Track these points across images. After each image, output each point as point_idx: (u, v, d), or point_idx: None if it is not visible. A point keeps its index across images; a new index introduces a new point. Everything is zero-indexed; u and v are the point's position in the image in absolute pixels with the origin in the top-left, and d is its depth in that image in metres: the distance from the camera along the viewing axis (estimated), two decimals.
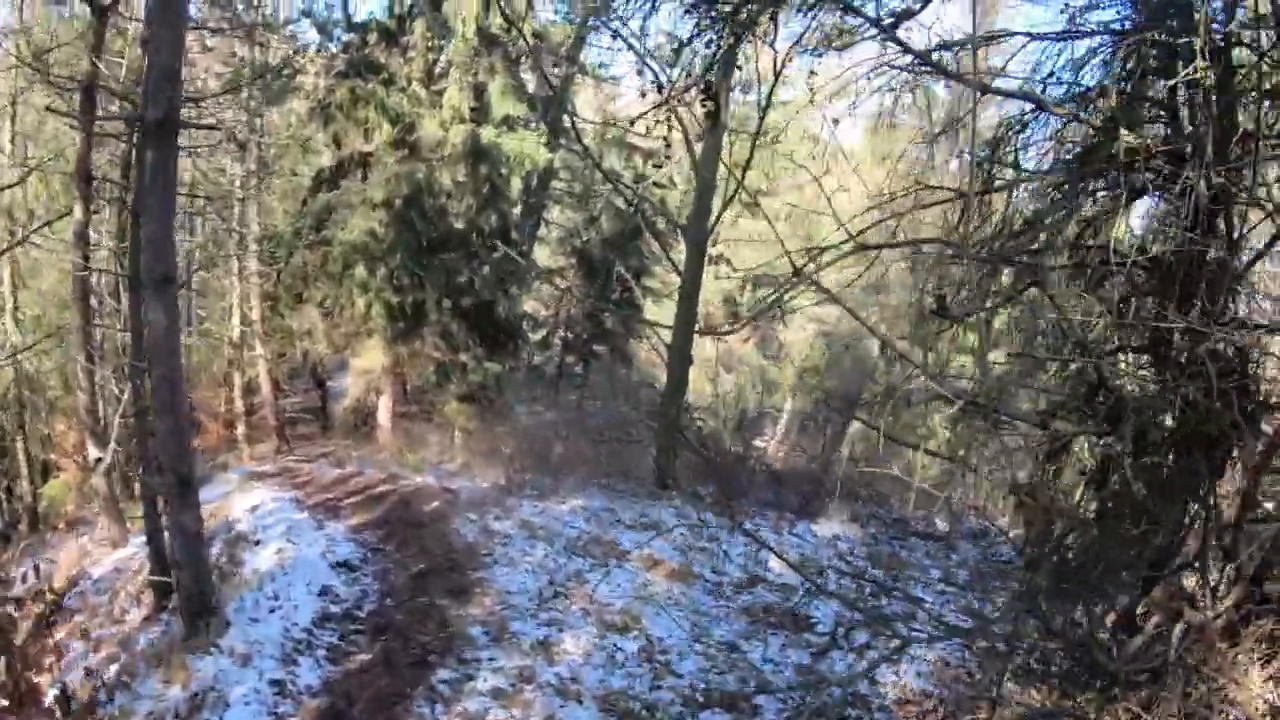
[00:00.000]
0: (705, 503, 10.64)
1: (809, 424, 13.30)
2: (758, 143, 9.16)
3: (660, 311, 13.66)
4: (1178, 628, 3.69)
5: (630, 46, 7.94)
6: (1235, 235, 3.75)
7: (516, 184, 11.56)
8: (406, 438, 12.92)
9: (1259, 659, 3.51)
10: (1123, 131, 3.48)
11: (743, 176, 8.45)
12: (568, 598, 7.49)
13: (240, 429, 14.25)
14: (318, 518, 9.71)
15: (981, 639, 4.59)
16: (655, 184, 12.11)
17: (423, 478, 11.40)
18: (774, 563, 8.23)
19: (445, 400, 12.23)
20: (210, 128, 9.90)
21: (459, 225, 11.57)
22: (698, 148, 11.33)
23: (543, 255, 14.88)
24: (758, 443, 13.54)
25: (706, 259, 12.24)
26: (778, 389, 14.89)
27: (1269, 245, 3.77)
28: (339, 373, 14.68)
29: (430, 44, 12.65)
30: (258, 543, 8.54)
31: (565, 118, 12.11)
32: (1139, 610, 4.20)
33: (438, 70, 12.40)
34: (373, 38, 13.28)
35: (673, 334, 10.12)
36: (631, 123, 5.88)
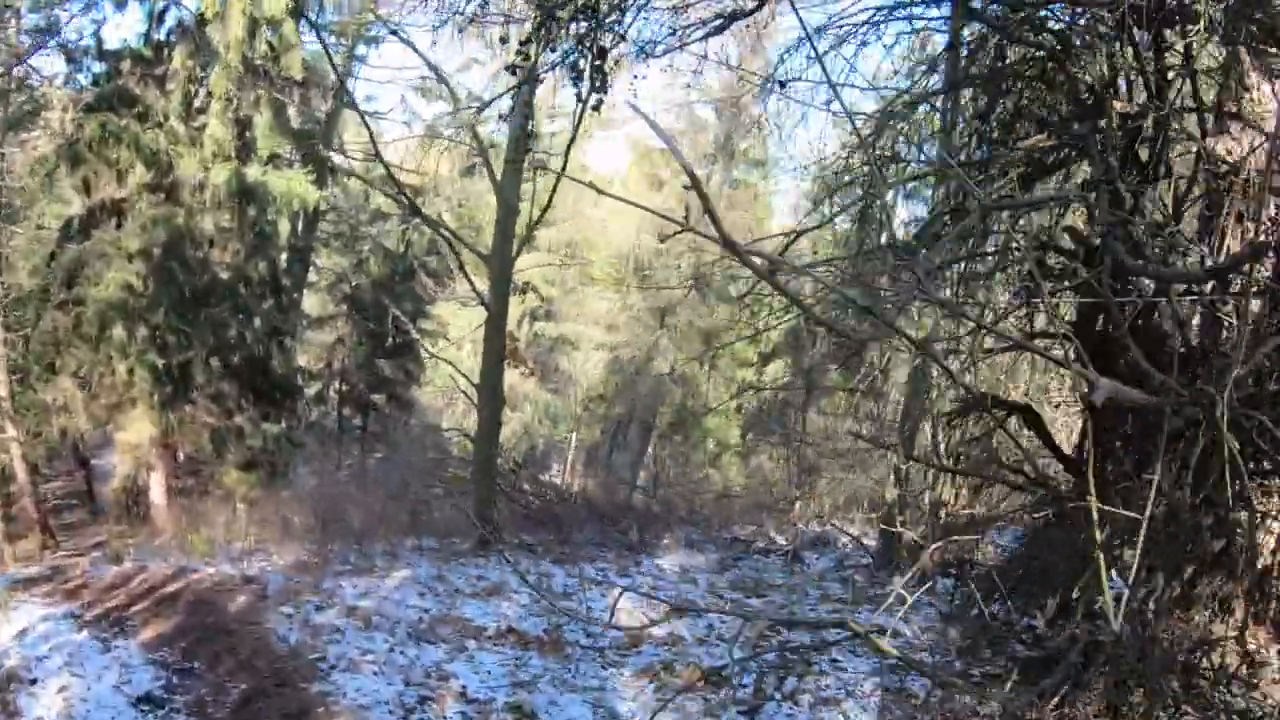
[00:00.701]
0: (538, 552, 9.62)
1: (596, 453, 12.74)
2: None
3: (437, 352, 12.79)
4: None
5: (430, 65, 7.25)
6: None
7: (285, 226, 10.54)
8: (187, 517, 11.69)
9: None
10: None
11: (549, 200, 7.64)
12: (435, 700, 6.30)
13: None
14: (103, 636, 8.53)
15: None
16: (426, 220, 11.30)
17: (216, 566, 10.14)
18: (643, 611, 7.33)
19: (224, 470, 10.96)
20: None
21: (225, 275, 10.57)
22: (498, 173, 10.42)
23: (312, 303, 13.76)
24: (546, 477, 12.79)
25: (512, 287, 11.42)
26: (562, 421, 14.30)
27: None
28: (104, 449, 13.04)
29: (191, 74, 11.73)
30: (34, 682, 7.27)
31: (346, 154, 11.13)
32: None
33: (198, 104, 11.18)
34: (127, 67, 11.89)
35: (482, 370, 9.25)
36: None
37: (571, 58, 5.26)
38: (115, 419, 12.38)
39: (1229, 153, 3.75)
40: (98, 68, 13.02)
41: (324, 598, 9.03)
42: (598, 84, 5.09)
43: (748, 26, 6.43)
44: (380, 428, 13.28)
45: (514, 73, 5.35)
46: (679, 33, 5.67)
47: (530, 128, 9.17)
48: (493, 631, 7.63)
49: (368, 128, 8.68)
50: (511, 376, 13.11)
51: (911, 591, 8.57)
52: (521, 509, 10.00)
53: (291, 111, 12.27)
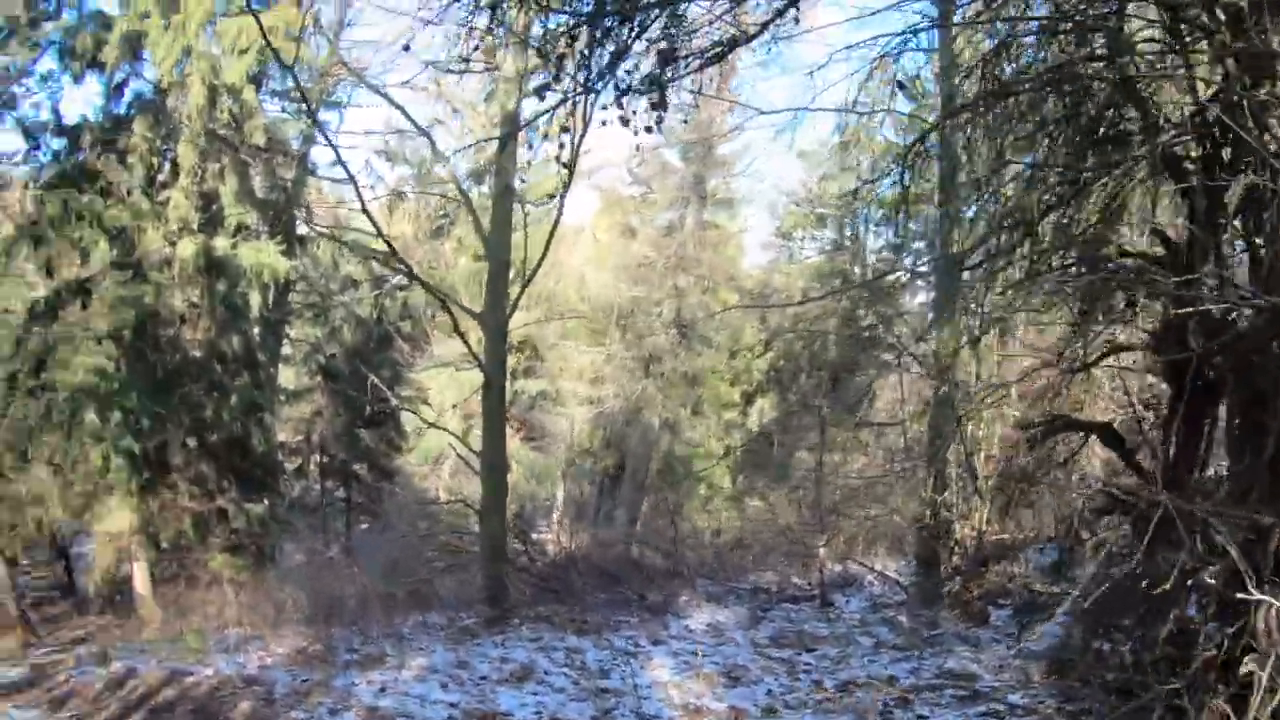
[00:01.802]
0: (556, 624, 9.14)
1: (584, 509, 12.42)
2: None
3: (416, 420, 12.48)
4: None
5: (405, 114, 7.01)
6: None
7: (256, 299, 10.27)
8: (173, 607, 11.01)
9: None
10: None
11: (544, 253, 7.32)
12: None
13: None
14: None
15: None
16: (398, 287, 11.09)
17: (212, 666, 9.45)
18: (681, 684, 6.89)
19: (209, 555, 10.53)
20: None
21: (197, 352, 10.21)
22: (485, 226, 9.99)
23: (287, 376, 13.51)
24: (537, 535, 12.42)
25: (508, 346, 11.08)
26: (548, 478, 14.01)
27: None
28: (83, 537, 12.63)
29: (153, 146, 11.47)
30: None
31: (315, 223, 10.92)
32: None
33: (162, 176, 10.94)
34: (87, 141, 11.67)
35: (483, 435, 8.82)
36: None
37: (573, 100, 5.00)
38: (93, 508, 12.01)
39: None
40: (57, 143, 12.79)
41: (338, 698, 8.06)
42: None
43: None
44: (365, 499, 13.01)
45: (541, 97, 4.98)
46: (680, 63, 5.29)
47: (513, 179, 8.90)
48: None
49: (353, 181, 8.39)
50: None
51: (967, 627, 8.30)
52: (534, 578, 9.60)
53: (256, 180, 12.08)
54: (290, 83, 12.08)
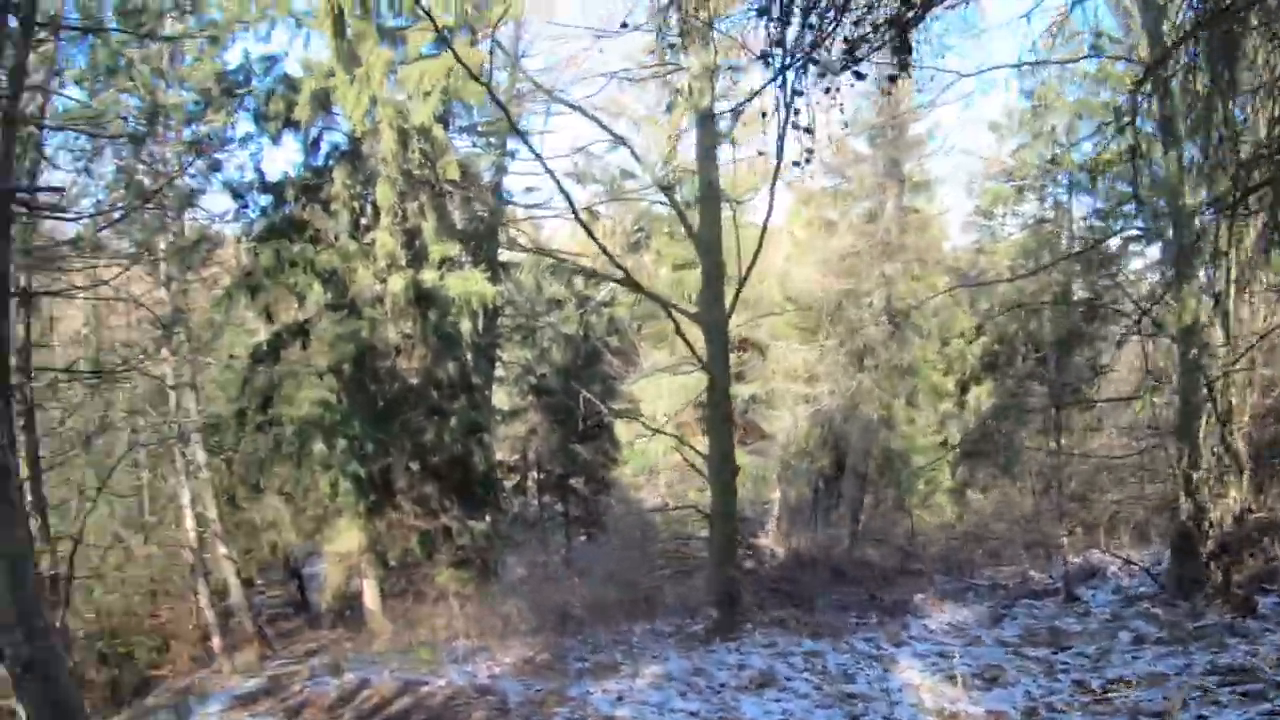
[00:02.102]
0: (791, 628, 9.12)
1: (802, 511, 12.36)
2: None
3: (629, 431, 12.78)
4: None
5: (602, 125, 7.30)
6: None
7: (467, 326, 10.88)
8: (402, 621, 11.74)
9: None
10: None
11: (759, 248, 7.47)
12: None
13: (216, 640, 12.91)
14: None
15: None
16: (601, 303, 11.46)
17: (444, 676, 9.84)
18: (934, 687, 6.82)
19: (435, 571, 11.18)
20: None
21: (414, 380, 10.83)
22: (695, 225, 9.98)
23: (500, 398, 14.17)
24: (754, 540, 12.44)
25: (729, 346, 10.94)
26: (764, 480, 14.02)
27: None
28: (313, 557, 13.57)
29: (353, 192, 12.16)
30: None
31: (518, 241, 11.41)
32: None
33: (364, 220, 11.72)
34: (291, 194, 12.63)
35: (710, 440, 8.97)
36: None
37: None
38: (323, 530, 13.00)
39: None
40: (263, 199, 13.95)
41: (574, 708, 7.96)
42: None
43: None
44: (582, 511, 13.52)
45: (767, 62, 4.85)
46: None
47: (717, 176, 8.98)
48: None
49: (567, 197, 8.71)
50: (704, 445, 13.13)
51: (1233, 617, 7.81)
52: (764, 582, 9.75)
53: (455, 214, 12.81)
54: (475, 117, 12.76)
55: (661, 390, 12.54)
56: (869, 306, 12.98)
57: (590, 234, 8.36)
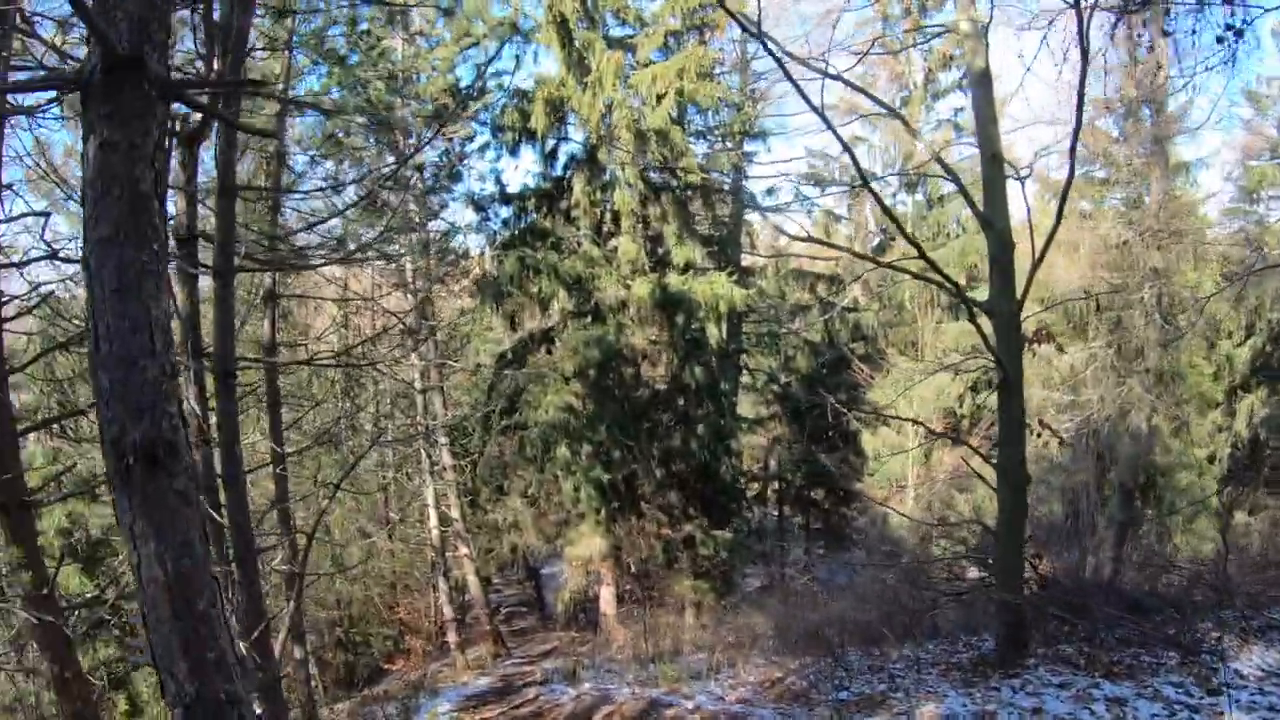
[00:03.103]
0: (1082, 665, 7.97)
1: (1057, 528, 10.94)
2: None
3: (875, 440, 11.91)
4: None
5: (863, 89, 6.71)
6: None
7: (714, 331, 10.57)
8: (637, 628, 11.61)
9: None
10: None
11: (1056, 223, 6.68)
12: None
13: (452, 636, 13.48)
14: None
15: None
16: (845, 309, 10.81)
17: (691, 699, 9.47)
18: None
19: (675, 580, 10.91)
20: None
21: (661, 386, 10.61)
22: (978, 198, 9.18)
23: (744, 405, 13.82)
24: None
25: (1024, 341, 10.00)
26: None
27: None
28: (550, 559, 13.82)
29: (593, 199, 12.29)
30: None
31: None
32: None
33: (605, 227, 11.82)
34: (531, 204, 13.00)
35: (1000, 445, 8.00)
36: None
37: None
38: (564, 534, 13.23)
39: None
40: (504, 211, 14.56)
41: None
42: None
43: None
44: (822, 524, 13.03)
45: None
46: None
47: (999, 145, 8.00)
48: None
49: (840, 143, 8.08)
50: (954, 456, 12.24)
51: None
52: (1054, 611, 8.62)
53: (697, 218, 12.74)
54: (709, 120, 12.65)
55: (911, 396, 11.70)
56: (1140, 303, 11.47)
57: (884, 209, 7.64)
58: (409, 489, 16.21)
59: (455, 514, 14.93)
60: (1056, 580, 10.20)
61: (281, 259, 7.96)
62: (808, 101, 6.40)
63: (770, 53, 6.27)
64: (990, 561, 9.39)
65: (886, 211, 7.75)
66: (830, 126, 6.59)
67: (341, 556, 15.84)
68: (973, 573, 10.03)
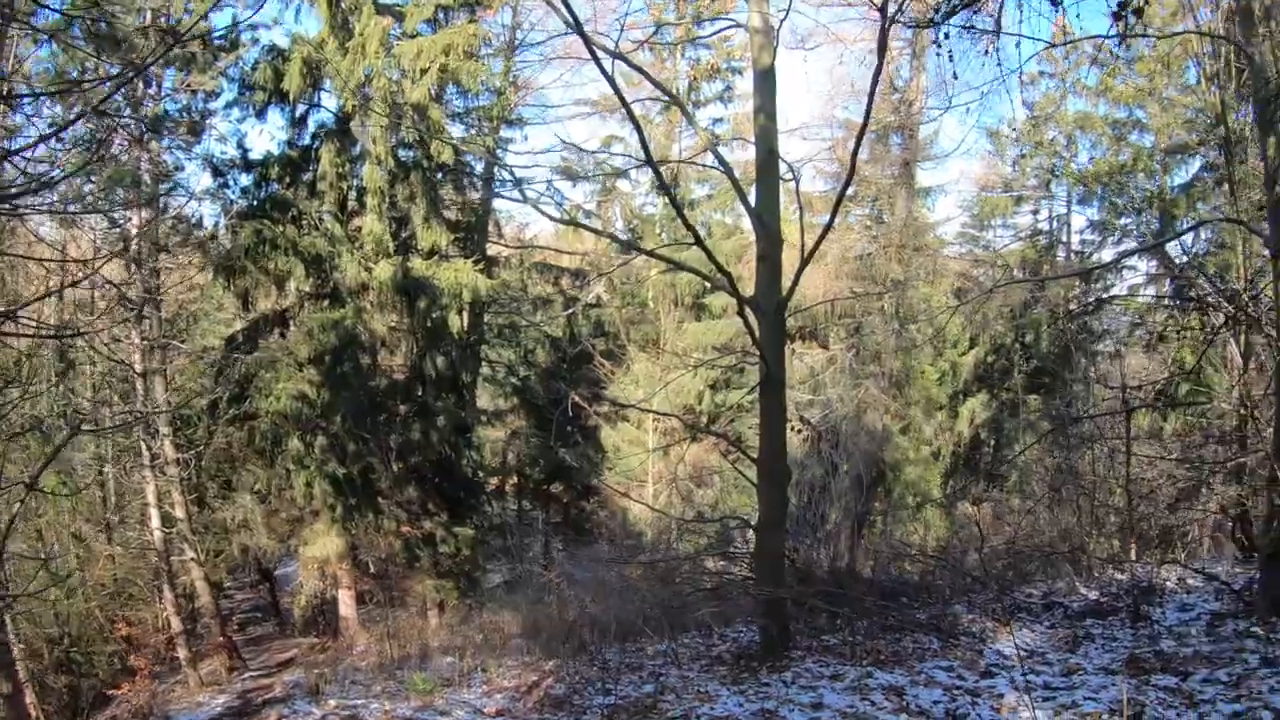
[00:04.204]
0: (846, 655, 7.88)
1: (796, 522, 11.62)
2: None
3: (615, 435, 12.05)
4: None
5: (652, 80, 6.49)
6: None
7: (455, 321, 10.15)
8: (381, 631, 11.02)
9: None
10: None
11: (833, 216, 6.66)
12: None
13: (183, 651, 12.13)
14: None
15: None
16: (589, 305, 10.80)
17: (448, 714, 8.55)
18: None
19: (418, 579, 10.40)
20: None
21: (400, 375, 10.03)
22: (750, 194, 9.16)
23: (483, 398, 13.45)
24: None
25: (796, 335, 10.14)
26: (748, 491, 13.41)
27: None
28: (287, 560, 12.82)
29: (341, 171, 11.41)
30: None
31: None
32: None
33: (350, 204, 11.02)
34: (274, 173, 11.89)
35: (761, 439, 7.90)
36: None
37: None
38: (298, 533, 12.23)
39: None
40: (245, 179, 13.14)
41: None
42: None
43: None
44: (563, 518, 12.87)
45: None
46: None
47: (776, 142, 8.09)
48: None
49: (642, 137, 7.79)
50: (694, 452, 12.57)
51: None
52: (819, 603, 8.81)
53: (445, 202, 12.11)
54: (470, 104, 12.11)
55: (652, 393, 11.89)
56: (880, 311, 12.44)
57: (673, 201, 7.36)
58: (128, 485, 14.40)
59: (180, 513, 13.40)
60: (811, 571, 10.59)
61: None
62: (602, 70, 6.03)
63: (566, 12, 5.84)
64: (743, 553, 9.56)
65: (666, 192, 7.50)
66: (621, 96, 6.30)
67: (56, 566, 13.81)
68: (715, 565, 10.21)
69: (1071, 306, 15.91)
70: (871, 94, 6.55)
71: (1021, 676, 7.08)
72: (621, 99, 6.27)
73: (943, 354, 14.42)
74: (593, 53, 6.06)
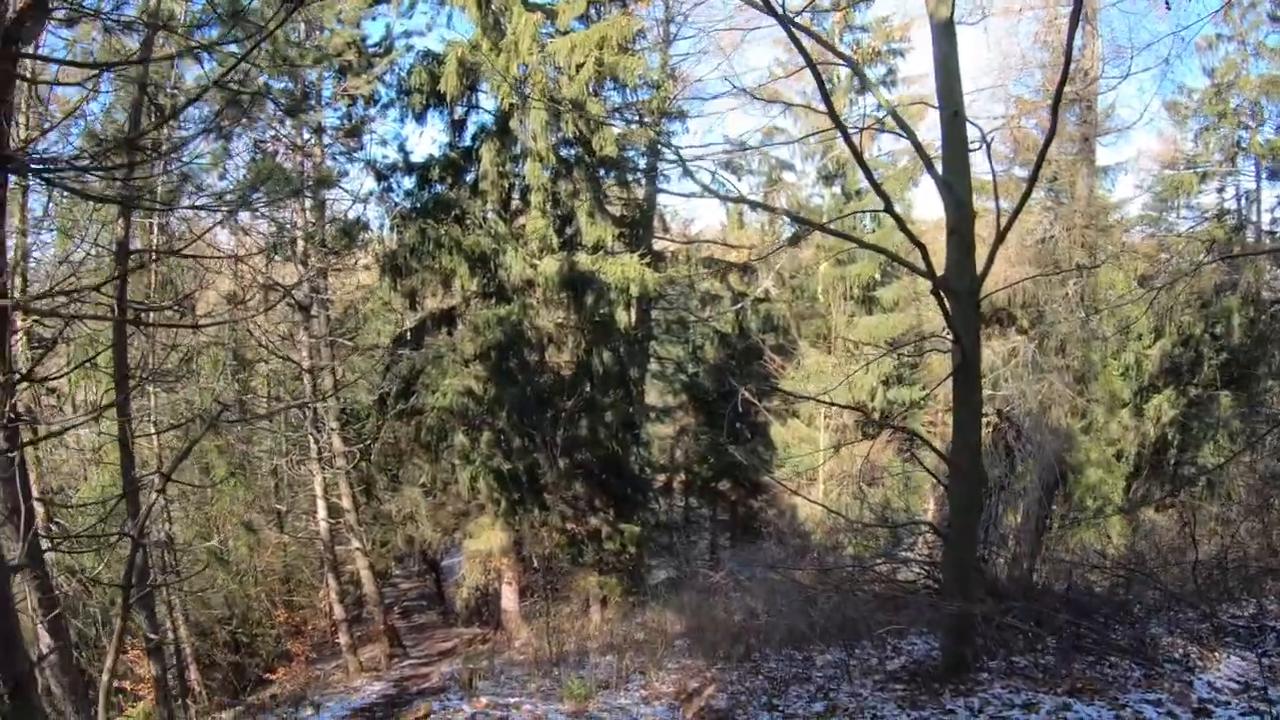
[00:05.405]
0: (1032, 678, 7.19)
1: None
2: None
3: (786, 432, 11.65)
4: None
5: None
6: None
7: (623, 316, 10.04)
8: (541, 625, 11.05)
9: None
10: None
11: (1028, 191, 6.03)
12: None
13: (344, 637, 12.60)
14: None
15: None
16: (757, 299, 10.45)
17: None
18: None
19: (581, 575, 10.36)
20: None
21: (566, 371, 10.02)
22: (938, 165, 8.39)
23: (651, 395, 13.37)
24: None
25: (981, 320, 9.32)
26: (918, 491, 12.73)
27: None
28: (453, 549, 13.08)
29: (502, 170, 11.55)
30: None
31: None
32: None
33: (514, 202, 11.13)
34: (436, 175, 12.16)
35: (954, 435, 7.16)
36: None
37: None
38: (462, 526, 12.49)
39: None
40: (408, 181, 13.55)
41: None
42: None
43: None
44: (730, 516, 12.69)
45: None
46: None
47: (962, 104, 7.25)
48: None
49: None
50: (866, 450, 12.10)
51: None
52: (1013, 621, 8.04)
53: (609, 198, 12.11)
54: (629, 98, 12.08)
55: (825, 387, 11.45)
56: (1065, 299, 11.57)
57: (863, 166, 6.77)
58: (297, 478, 15.13)
59: (346, 504, 13.95)
60: (1003, 584, 9.79)
61: (130, 197, 6.90)
62: (780, 19, 5.70)
63: None
64: (925, 560, 8.97)
65: (856, 155, 6.87)
66: (800, 46, 5.97)
67: (225, 553, 14.69)
68: (903, 573, 9.67)
69: (1265, 293, 14.48)
70: (1071, 31, 5.76)
71: (1241, 717, 6.05)
72: (801, 48, 5.76)
73: (1126, 346, 13.36)
74: (770, 7, 5.65)
